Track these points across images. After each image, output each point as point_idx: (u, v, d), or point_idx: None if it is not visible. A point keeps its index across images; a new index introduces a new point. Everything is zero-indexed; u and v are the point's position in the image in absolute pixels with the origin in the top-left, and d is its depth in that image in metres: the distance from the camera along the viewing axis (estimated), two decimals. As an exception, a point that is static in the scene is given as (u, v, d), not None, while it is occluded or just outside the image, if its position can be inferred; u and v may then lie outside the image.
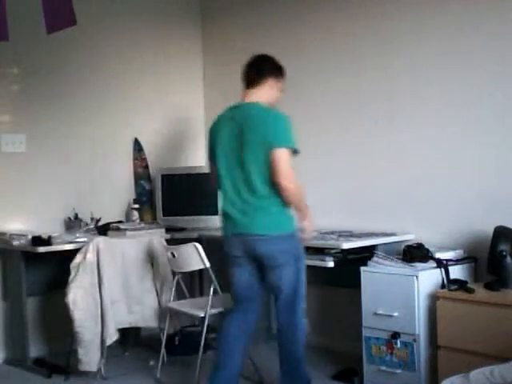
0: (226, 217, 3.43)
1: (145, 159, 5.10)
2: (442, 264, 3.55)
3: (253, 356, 3.89)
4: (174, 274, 4.09)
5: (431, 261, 3.58)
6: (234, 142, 3.37)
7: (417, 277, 3.45)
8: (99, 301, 3.94)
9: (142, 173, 5.10)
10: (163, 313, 4.15)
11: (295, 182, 3.27)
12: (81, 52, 4.78)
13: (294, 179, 3.27)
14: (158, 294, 4.22)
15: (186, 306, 3.97)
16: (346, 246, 3.77)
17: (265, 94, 3.45)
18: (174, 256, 3.85)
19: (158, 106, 5.19)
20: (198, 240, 4.29)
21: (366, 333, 3.67)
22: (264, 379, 3.86)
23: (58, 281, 4.15)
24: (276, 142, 3.26)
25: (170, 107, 5.26)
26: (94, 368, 3.92)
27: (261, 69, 3.48)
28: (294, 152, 3.30)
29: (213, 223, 4.89)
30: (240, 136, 3.34)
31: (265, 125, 3.31)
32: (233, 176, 3.37)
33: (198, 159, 5.38)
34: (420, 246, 3.66)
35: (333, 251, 3.84)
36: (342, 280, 4.09)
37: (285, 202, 3.31)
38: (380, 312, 3.58)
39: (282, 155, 3.24)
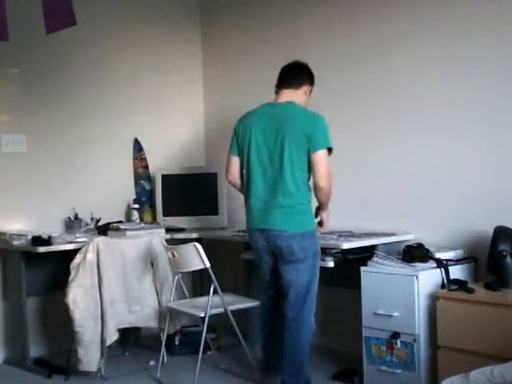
0: (253, 211, 3.57)
1: (145, 159, 5.10)
2: (442, 264, 3.55)
3: (253, 356, 3.90)
4: (174, 273, 4.09)
5: (431, 261, 3.58)
6: (270, 139, 3.52)
7: (417, 277, 3.45)
8: (99, 301, 3.94)
9: (141, 173, 5.10)
10: (163, 313, 4.15)
11: (331, 182, 3.49)
12: (81, 52, 4.78)
13: (331, 179, 3.49)
14: (157, 294, 4.22)
15: (186, 306, 3.97)
16: (346, 246, 3.78)
17: (298, 97, 3.64)
18: (174, 256, 3.85)
19: (158, 106, 5.18)
20: (198, 240, 4.29)
21: (366, 333, 3.67)
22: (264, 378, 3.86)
23: (58, 281, 4.14)
24: (318, 143, 3.45)
25: (170, 107, 5.25)
26: (93, 368, 3.92)
27: (300, 74, 3.70)
28: (329, 150, 3.50)
29: (213, 223, 4.89)
30: (279, 134, 3.49)
31: (307, 125, 3.48)
32: (265, 172, 3.53)
33: (197, 159, 5.38)
34: (420, 246, 3.66)
35: (333, 251, 3.85)
36: (342, 280, 4.09)
37: (309, 201, 3.52)
38: (380, 312, 3.58)
39: (322, 157, 3.45)
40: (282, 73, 3.71)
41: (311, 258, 3.49)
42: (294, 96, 3.62)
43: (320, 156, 3.44)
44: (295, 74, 3.68)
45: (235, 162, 3.67)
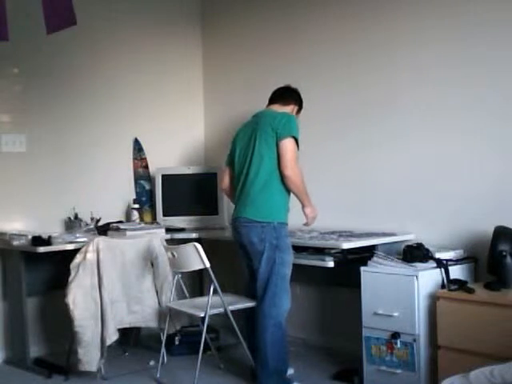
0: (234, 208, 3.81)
1: (145, 159, 5.10)
2: (442, 264, 3.55)
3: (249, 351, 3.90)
4: (174, 274, 4.09)
5: (431, 261, 3.58)
6: (246, 140, 3.74)
7: (417, 277, 3.45)
8: (99, 301, 3.93)
9: (141, 173, 5.10)
10: (163, 313, 4.15)
11: (297, 170, 3.60)
12: (81, 52, 4.78)
13: (297, 168, 3.60)
14: (157, 294, 4.22)
15: (186, 306, 3.97)
16: (346, 245, 3.77)
17: (285, 111, 3.79)
18: (174, 256, 3.85)
19: (158, 106, 5.19)
20: (198, 240, 4.29)
21: (365, 333, 3.67)
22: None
23: (58, 281, 4.14)
24: (283, 132, 3.59)
25: (170, 107, 5.25)
26: (93, 368, 3.92)
27: (289, 93, 3.91)
28: (297, 143, 3.61)
29: (213, 223, 4.89)
30: (252, 134, 3.70)
31: (274, 120, 3.64)
32: (241, 171, 3.74)
33: (197, 159, 5.39)
34: (420, 246, 3.66)
35: (333, 251, 3.85)
36: (342, 280, 4.09)
37: (281, 193, 3.64)
38: (380, 312, 3.58)
39: (287, 145, 3.59)
40: (272, 93, 3.92)
41: (270, 251, 3.60)
42: (281, 110, 3.80)
43: (284, 144, 3.58)
44: (283, 93, 3.90)
45: (227, 172, 3.94)
